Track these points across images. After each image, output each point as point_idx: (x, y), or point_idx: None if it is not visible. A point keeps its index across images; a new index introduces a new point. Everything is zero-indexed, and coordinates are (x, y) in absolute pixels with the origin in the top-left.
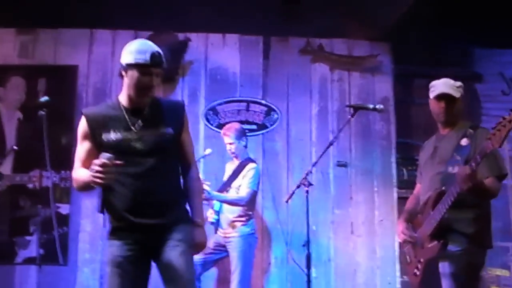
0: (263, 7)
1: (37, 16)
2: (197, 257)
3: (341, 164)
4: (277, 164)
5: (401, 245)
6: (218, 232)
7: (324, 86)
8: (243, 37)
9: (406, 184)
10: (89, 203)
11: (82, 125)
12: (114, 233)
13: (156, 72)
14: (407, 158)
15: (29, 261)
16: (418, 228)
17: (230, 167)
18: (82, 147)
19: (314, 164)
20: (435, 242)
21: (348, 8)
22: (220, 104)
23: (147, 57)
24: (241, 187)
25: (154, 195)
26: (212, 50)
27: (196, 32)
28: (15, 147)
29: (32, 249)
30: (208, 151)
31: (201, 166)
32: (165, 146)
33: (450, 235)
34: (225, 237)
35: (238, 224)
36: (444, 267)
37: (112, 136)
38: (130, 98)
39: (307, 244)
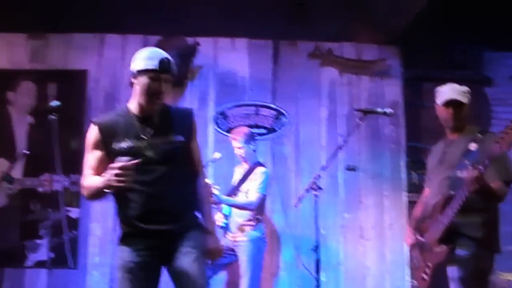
0: (272, 11)
1: (48, 21)
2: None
3: (351, 168)
4: (286, 168)
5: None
6: (227, 236)
7: (333, 90)
8: (252, 41)
9: (415, 188)
10: (99, 207)
11: (93, 134)
12: (125, 239)
13: (165, 78)
14: (416, 161)
15: (39, 264)
16: (426, 233)
17: (239, 171)
18: (93, 155)
19: (323, 168)
20: (443, 247)
21: (357, 12)
22: (229, 108)
23: (156, 63)
24: (250, 191)
25: (165, 202)
26: (221, 54)
27: (205, 37)
28: (25, 151)
29: (42, 253)
30: (217, 155)
31: (210, 170)
32: (175, 153)
33: (458, 240)
34: (234, 241)
35: (247, 228)
36: (452, 272)
37: (123, 144)
38: (140, 106)
39: (316, 248)
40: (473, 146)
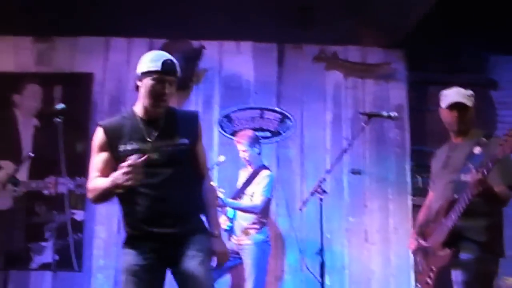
0: (277, 14)
1: (54, 24)
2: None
3: (355, 172)
4: (291, 172)
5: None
6: (231, 239)
7: (338, 93)
8: (257, 44)
9: (420, 192)
10: (104, 210)
11: (99, 137)
12: (130, 242)
13: (169, 80)
14: (421, 165)
15: (44, 267)
16: (430, 237)
17: (243, 174)
18: (99, 158)
19: (328, 172)
20: (447, 250)
21: (362, 15)
22: (234, 111)
23: (159, 64)
24: (255, 195)
25: (170, 204)
26: (226, 57)
27: (210, 40)
28: (31, 154)
29: (47, 255)
30: (222, 158)
31: (215, 173)
32: (180, 156)
33: (462, 243)
34: (239, 244)
35: (252, 231)
36: (456, 276)
37: (129, 147)
38: (145, 108)
39: (320, 251)
40: (477, 150)
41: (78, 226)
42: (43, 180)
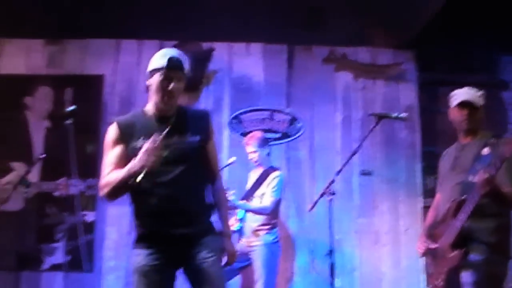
0: (286, 16)
1: (65, 27)
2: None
3: (366, 173)
4: (301, 173)
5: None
6: (241, 241)
7: (348, 94)
8: (267, 46)
9: (431, 193)
10: (115, 211)
11: (114, 132)
12: (140, 242)
13: (176, 76)
14: (432, 166)
15: (55, 268)
16: (439, 239)
17: (253, 176)
18: (113, 153)
19: (338, 173)
20: (456, 252)
21: (372, 16)
22: (244, 113)
23: (165, 60)
24: (265, 196)
25: (181, 203)
26: (236, 59)
27: (220, 42)
28: (42, 156)
29: (58, 256)
30: (232, 159)
31: (225, 175)
32: (191, 154)
33: (471, 244)
34: (249, 245)
35: (261, 232)
36: (466, 277)
37: (140, 144)
38: (156, 106)
39: (330, 253)
40: (486, 151)
41: (89, 227)
42: (54, 182)
